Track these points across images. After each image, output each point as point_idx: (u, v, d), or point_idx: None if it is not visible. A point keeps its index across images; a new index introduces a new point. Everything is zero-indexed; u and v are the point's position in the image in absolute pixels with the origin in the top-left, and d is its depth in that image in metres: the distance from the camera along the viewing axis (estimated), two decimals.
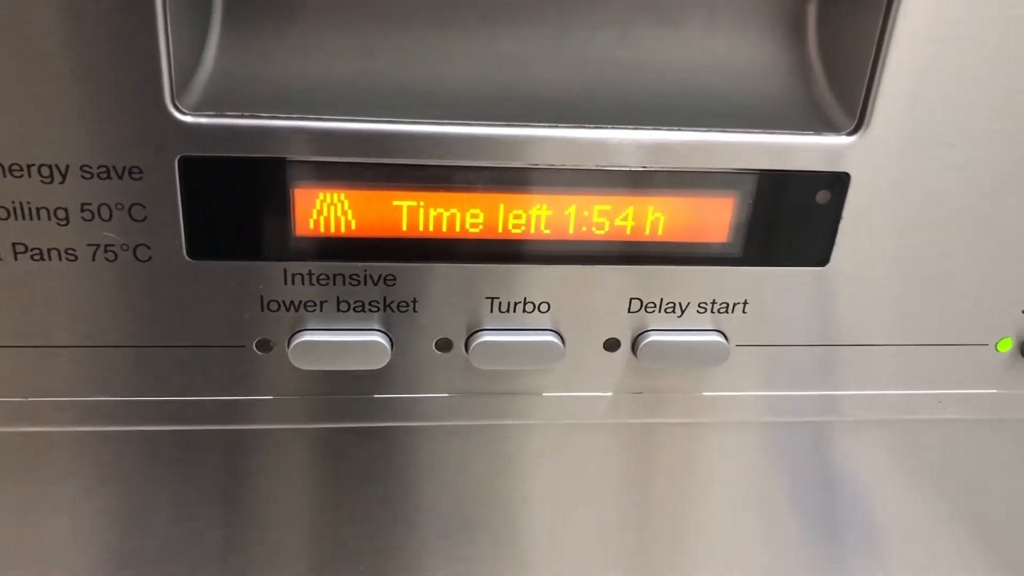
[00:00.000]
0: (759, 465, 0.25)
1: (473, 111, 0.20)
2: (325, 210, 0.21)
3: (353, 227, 0.21)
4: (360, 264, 0.21)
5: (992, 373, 0.24)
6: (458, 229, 0.21)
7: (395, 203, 0.20)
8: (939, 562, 0.28)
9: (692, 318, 0.22)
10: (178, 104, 0.18)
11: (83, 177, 0.19)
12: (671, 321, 0.22)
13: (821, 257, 0.22)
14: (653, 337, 0.22)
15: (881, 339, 0.23)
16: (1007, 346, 0.24)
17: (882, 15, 0.19)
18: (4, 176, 0.18)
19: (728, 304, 0.22)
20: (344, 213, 0.21)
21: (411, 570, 0.26)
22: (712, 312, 0.22)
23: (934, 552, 0.28)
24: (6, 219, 0.19)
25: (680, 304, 0.22)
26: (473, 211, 0.21)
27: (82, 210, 0.19)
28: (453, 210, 0.21)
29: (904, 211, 0.21)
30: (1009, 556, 0.29)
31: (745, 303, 0.22)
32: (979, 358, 0.24)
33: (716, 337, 0.22)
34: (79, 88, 0.18)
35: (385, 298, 0.21)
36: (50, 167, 0.19)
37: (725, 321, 0.22)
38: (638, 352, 0.22)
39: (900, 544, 0.28)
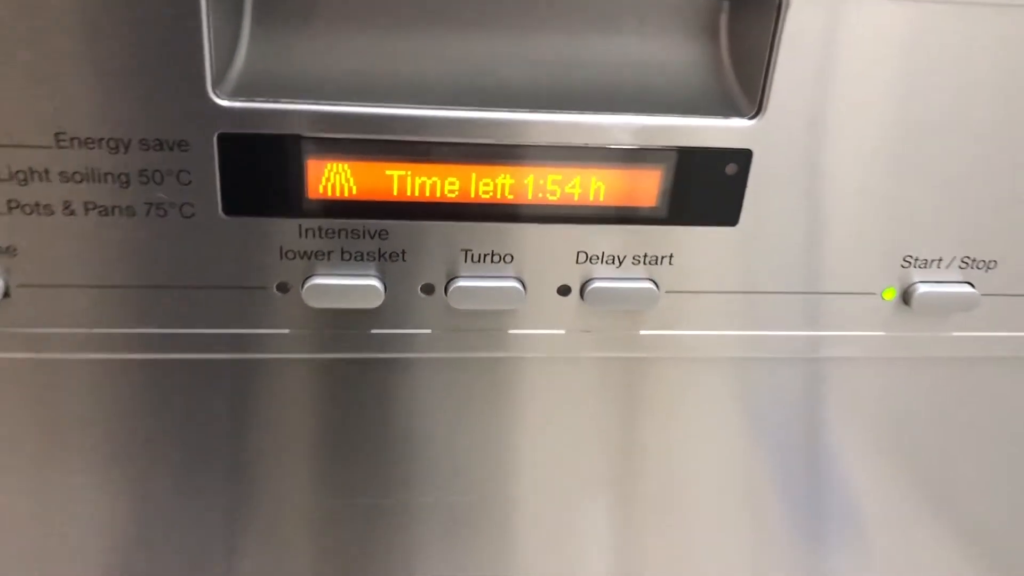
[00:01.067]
0: (692, 395, 0.30)
1: (451, 98, 0.24)
2: (332, 177, 0.25)
3: (354, 192, 0.25)
4: (359, 221, 0.25)
5: (879, 318, 0.28)
6: (438, 194, 0.25)
7: (388, 172, 0.25)
8: (845, 486, 0.33)
9: (628, 269, 0.26)
10: (217, 91, 0.23)
11: (141, 149, 0.23)
12: (611, 271, 0.26)
13: (731, 218, 0.26)
14: (597, 284, 0.26)
15: (784, 287, 0.27)
16: (891, 295, 0.28)
17: (773, 24, 0.24)
18: (80, 148, 0.23)
19: (657, 257, 0.26)
20: (347, 180, 0.25)
21: (406, 484, 0.30)
22: (644, 264, 0.26)
23: (842, 476, 0.33)
24: (80, 182, 0.24)
25: (618, 257, 0.26)
26: (451, 179, 0.25)
27: (140, 175, 0.24)
28: (435, 178, 0.25)
29: (798, 180, 0.26)
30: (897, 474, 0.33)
31: (671, 256, 0.26)
32: (868, 305, 0.28)
33: (648, 284, 0.26)
34: (139, 79, 0.22)
35: (379, 249, 0.25)
36: (116, 140, 0.23)
37: (655, 271, 0.27)
38: (585, 296, 0.27)
39: (807, 472, 0.33)
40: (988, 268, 0.28)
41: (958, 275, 0.28)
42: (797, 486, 0.32)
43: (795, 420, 0.31)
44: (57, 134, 0.23)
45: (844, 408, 0.31)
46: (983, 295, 0.28)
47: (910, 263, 0.27)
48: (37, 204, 0.23)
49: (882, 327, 0.28)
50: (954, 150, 0.26)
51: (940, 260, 0.27)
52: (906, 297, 0.28)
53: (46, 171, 0.23)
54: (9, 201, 0.23)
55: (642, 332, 0.28)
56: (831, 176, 0.26)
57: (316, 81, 0.24)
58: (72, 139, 0.23)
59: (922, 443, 0.32)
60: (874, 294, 0.28)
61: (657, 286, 0.27)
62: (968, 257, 0.27)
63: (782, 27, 0.23)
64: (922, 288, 0.27)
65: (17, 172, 0.23)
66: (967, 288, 0.28)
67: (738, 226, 0.26)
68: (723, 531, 0.34)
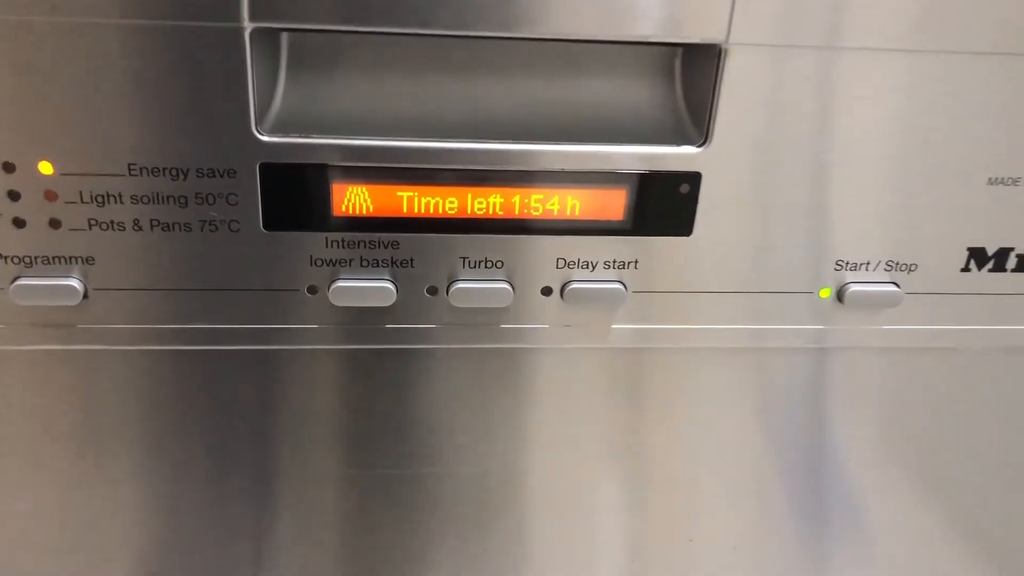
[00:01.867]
0: (659, 382, 0.35)
1: (450, 132, 0.29)
2: (352, 198, 0.29)
3: (371, 210, 0.29)
4: (375, 235, 0.30)
5: (818, 313, 0.33)
6: (441, 211, 0.29)
7: (399, 193, 0.29)
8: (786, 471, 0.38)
9: (600, 272, 0.31)
10: (259, 129, 0.28)
11: (197, 176, 0.28)
12: (586, 275, 0.31)
13: (686, 230, 0.30)
14: (574, 285, 0.31)
15: (734, 288, 0.32)
16: (827, 293, 0.32)
17: (715, 69, 0.29)
18: (148, 176, 0.28)
19: (625, 262, 0.31)
20: (365, 200, 0.29)
21: (418, 456, 0.35)
22: (614, 268, 0.31)
23: (791, 459, 0.37)
24: (147, 204, 0.28)
25: (591, 263, 0.31)
26: (451, 199, 0.29)
27: (196, 198, 0.29)
28: (437, 198, 0.29)
29: (741, 197, 0.30)
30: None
31: (636, 262, 0.31)
32: (807, 302, 0.32)
33: (618, 286, 0.31)
34: (196, 120, 0.27)
35: (392, 257, 0.30)
36: (177, 169, 0.28)
37: (623, 274, 0.31)
38: (564, 296, 0.31)
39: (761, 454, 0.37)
40: (910, 270, 0.32)
41: (884, 276, 0.32)
42: (746, 464, 0.37)
43: (750, 406, 0.36)
44: (129, 165, 0.28)
45: (791, 394, 0.35)
46: (906, 293, 0.32)
47: (842, 266, 0.32)
48: (112, 222, 0.29)
49: (820, 322, 0.33)
50: (875, 170, 0.30)
51: (868, 263, 0.32)
52: (840, 295, 0.32)
53: (120, 195, 0.28)
54: (89, 219, 0.28)
55: (613, 326, 0.32)
56: (770, 193, 0.30)
57: (340, 119, 0.29)
58: (141, 168, 0.28)
59: (855, 428, 0.37)
60: (812, 293, 0.32)
61: (625, 287, 0.31)
62: (892, 261, 0.32)
63: (722, 71, 0.28)
64: (853, 287, 0.32)
65: (96, 196, 0.28)
66: (892, 287, 0.32)
67: (692, 236, 0.30)
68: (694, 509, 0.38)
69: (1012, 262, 0.32)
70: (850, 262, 0.32)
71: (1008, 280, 0.33)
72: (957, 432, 0.37)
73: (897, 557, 0.40)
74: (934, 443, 0.37)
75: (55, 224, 0.28)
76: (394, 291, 0.30)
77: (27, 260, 0.29)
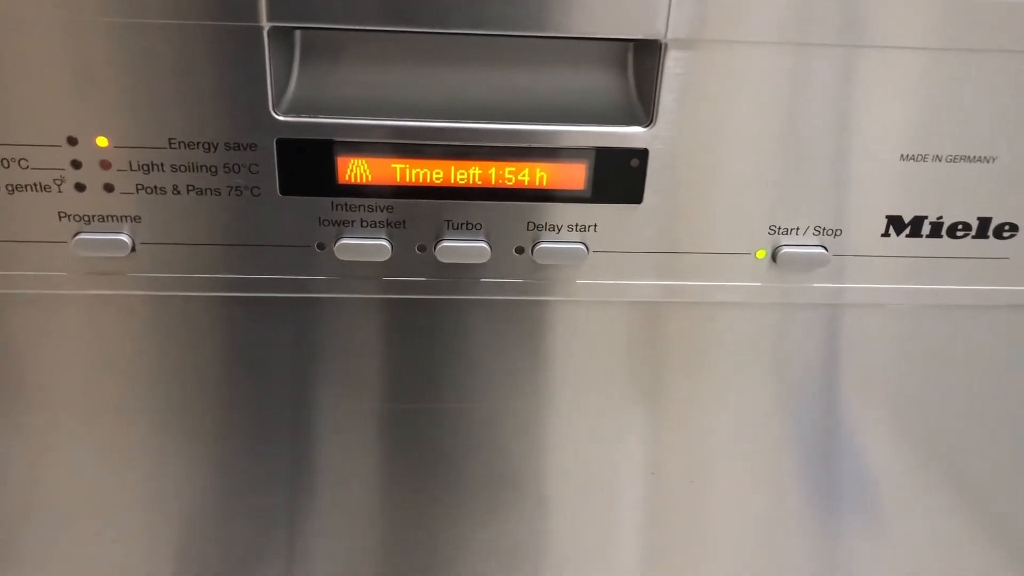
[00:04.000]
0: (617, 333, 0.40)
1: (436, 114, 0.34)
2: (354, 169, 0.34)
3: (369, 179, 0.34)
4: (373, 200, 0.34)
5: (755, 272, 0.37)
6: (428, 180, 0.34)
7: (393, 165, 0.34)
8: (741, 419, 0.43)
9: (565, 235, 0.36)
10: (276, 110, 0.33)
11: (225, 149, 0.34)
12: (553, 236, 0.36)
13: (637, 198, 0.35)
14: (543, 245, 0.35)
15: (679, 248, 0.36)
16: (763, 255, 0.37)
17: (657, 61, 0.34)
18: (185, 148, 0.34)
19: (586, 226, 0.36)
20: (365, 171, 0.34)
21: (419, 392, 0.40)
22: (577, 231, 0.36)
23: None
24: (184, 172, 0.34)
25: (557, 226, 0.36)
26: (437, 170, 0.34)
27: (224, 167, 0.34)
28: (425, 169, 0.34)
29: (683, 169, 0.35)
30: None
31: (596, 225, 0.36)
32: (745, 262, 0.37)
33: (580, 246, 0.36)
34: (224, 102, 0.32)
35: (387, 219, 0.35)
36: (208, 143, 0.33)
37: (585, 236, 0.36)
38: (535, 254, 0.36)
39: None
40: (836, 235, 0.37)
41: (813, 240, 0.37)
42: (702, 410, 0.42)
43: (700, 356, 0.41)
44: (170, 139, 0.33)
45: (734, 346, 0.40)
46: (833, 255, 0.37)
47: (775, 231, 0.37)
48: (155, 187, 0.34)
49: (757, 280, 0.37)
50: (802, 146, 0.35)
51: (798, 228, 0.37)
52: (774, 256, 0.37)
53: (162, 164, 0.34)
54: (137, 185, 0.34)
55: (577, 281, 0.37)
56: (709, 166, 0.35)
57: (344, 102, 0.34)
58: (180, 143, 0.33)
59: (793, 381, 0.42)
60: (749, 254, 0.37)
61: (587, 248, 0.36)
62: (819, 226, 0.37)
63: (663, 62, 0.33)
64: (785, 249, 0.37)
65: (143, 165, 0.34)
66: (820, 250, 0.37)
67: (642, 204, 0.35)
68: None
69: (927, 229, 0.37)
70: (782, 227, 0.37)
71: (925, 245, 0.38)
72: (888, 380, 0.42)
73: (867, 503, 0.45)
74: (869, 389, 0.42)
75: (108, 188, 0.34)
76: (389, 248, 0.36)
77: (86, 218, 0.35)
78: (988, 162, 0.36)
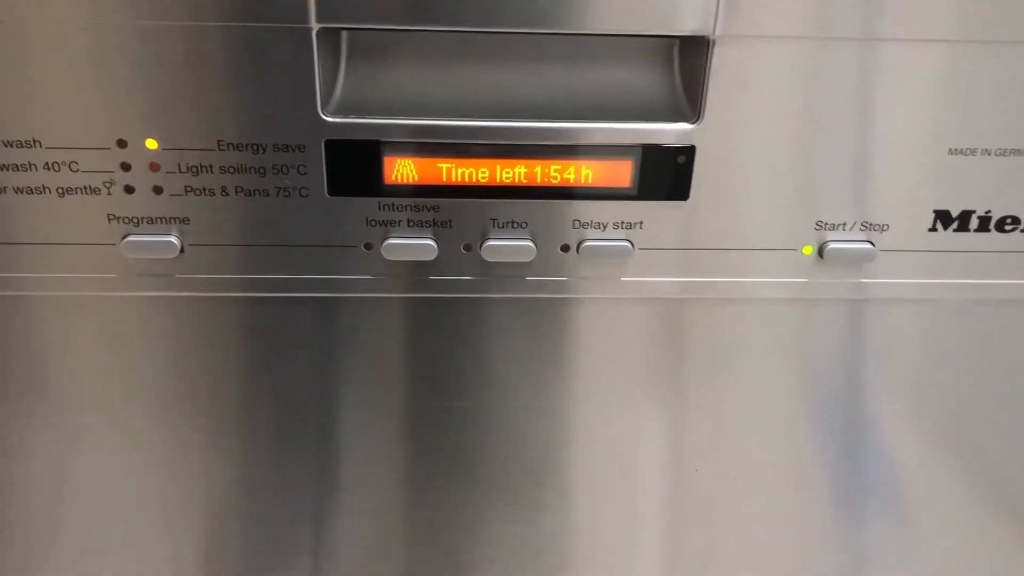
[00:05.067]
0: (663, 329, 0.40)
1: (481, 113, 0.34)
2: (401, 169, 0.34)
3: (416, 179, 0.34)
4: (419, 199, 0.35)
5: (802, 268, 0.37)
6: (474, 179, 0.34)
7: (439, 165, 0.34)
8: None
9: (611, 232, 0.36)
10: (324, 112, 0.33)
11: (273, 151, 0.34)
12: (599, 234, 0.36)
13: (683, 195, 0.35)
14: (588, 243, 0.36)
15: (726, 245, 0.36)
16: (809, 250, 0.37)
17: (705, 58, 0.34)
18: (233, 150, 0.34)
19: (631, 223, 0.36)
20: (411, 171, 0.34)
21: (460, 391, 0.41)
22: (623, 228, 0.36)
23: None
24: (233, 173, 0.34)
25: (603, 223, 0.36)
26: (482, 169, 0.34)
27: (272, 168, 0.34)
28: (471, 168, 0.34)
29: (730, 166, 0.35)
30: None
31: (642, 223, 0.36)
32: (792, 258, 0.37)
33: (626, 243, 0.36)
34: (273, 104, 0.33)
35: (434, 219, 0.35)
36: (257, 145, 0.34)
37: (631, 234, 0.36)
38: (580, 252, 0.36)
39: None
40: (882, 230, 0.37)
41: (860, 235, 0.37)
42: (742, 402, 0.42)
43: (744, 352, 0.41)
44: (219, 141, 0.33)
45: (781, 341, 0.40)
46: (880, 251, 0.37)
47: (822, 226, 0.36)
48: (204, 188, 0.34)
49: (804, 276, 0.37)
50: (849, 142, 0.35)
51: (845, 224, 0.36)
52: (821, 252, 0.37)
53: (211, 166, 0.34)
54: (186, 186, 0.34)
55: (623, 279, 0.37)
56: (756, 162, 0.35)
57: (390, 103, 0.34)
58: (228, 144, 0.34)
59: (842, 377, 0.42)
60: (795, 250, 0.37)
61: (632, 245, 0.36)
62: (866, 221, 0.37)
63: (711, 59, 0.33)
64: (832, 245, 0.36)
65: (192, 167, 0.34)
66: (867, 245, 0.37)
67: (689, 200, 0.35)
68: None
69: (975, 223, 0.37)
70: (829, 223, 0.36)
71: (973, 239, 0.37)
72: (934, 376, 0.42)
73: (901, 497, 0.45)
74: (914, 386, 0.42)
75: (158, 190, 0.34)
76: (435, 247, 0.36)
77: (135, 220, 0.35)
78: None
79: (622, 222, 0.36)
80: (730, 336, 0.40)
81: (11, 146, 0.33)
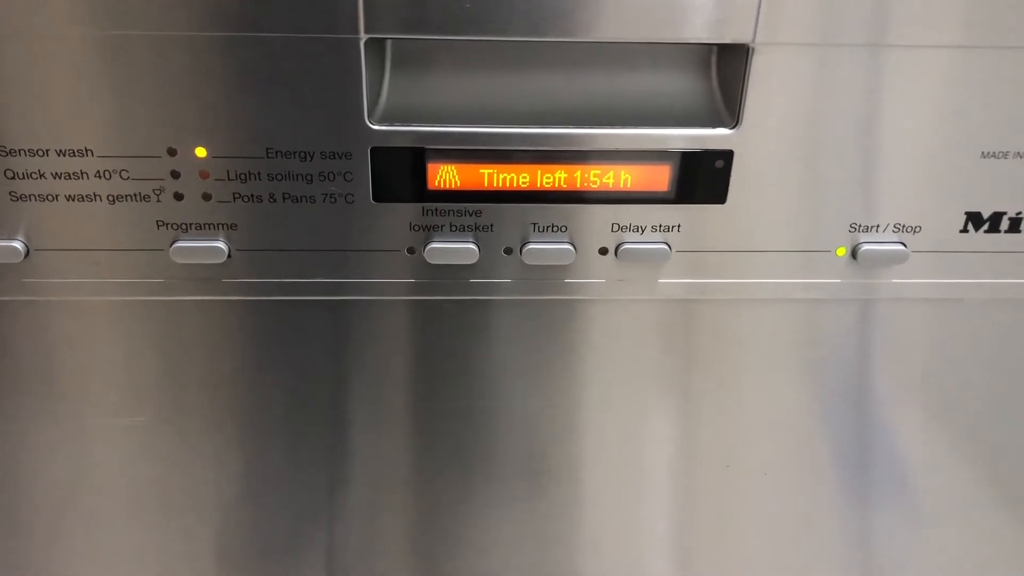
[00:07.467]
0: (700, 330, 0.41)
1: (522, 120, 0.34)
2: (443, 175, 0.35)
3: (458, 184, 0.35)
4: (462, 205, 0.35)
5: (835, 269, 0.38)
6: (515, 185, 0.35)
7: (481, 171, 0.35)
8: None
9: (648, 235, 0.36)
10: (370, 120, 0.34)
11: (320, 158, 0.35)
12: (636, 237, 0.37)
13: (721, 199, 0.36)
14: (627, 246, 0.36)
15: (761, 247, 0.37)
16: (843, 252, 0.37)
17: (744, 63, 0.34)
18: (281, 158, 0.35)
19: (669, 226, 0.36)
20: (453, 176, 0.35)
21: (492, 391, 0.41)
22: (660, 232, 0.37)
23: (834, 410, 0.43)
24: (281, 180, 0.35)
25: (641, 227, 0.36)
26: (523, 174, 0.35)
27: (319, 175, 0.35)
28: (512, 174, 0.35)
29: (767, 170, 0.35)
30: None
31: (679, 226, 0.36)
32: (825, 259, 0.37)
33: (663, 247, 0.36)
34: (321, 113, 0.33)
35: (475, 224, 0.36)
36: (304, 152, 0.34)
37: (668, 237, 0.37)
38: (618, 255, 0.37)
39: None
40: (915, 232, 0.37)
41: (893, 237, 0.37)
42: (779, 402, 0.43)
43: (779, 352, 0.41)
44: (267, 149, 0.34)
45: (815, 341, 0.41)
46: (912, 252, 0.37)
47: (856, 228, 0.37)
48: (252, 195, 0.35)
49: (837, 276, 0.38)
50: (884, 145, 0.35)
51: (878, 226, 0.37)
52: (854, 253, 0.37)
53: (259, 173, 0.35)
54: (234, 193, 0.35)
55: (660, 281, 0.38)
56: (792, 166, 0.35)
57: (433, 110, 0.35)
58: (276, 152, 0.34)
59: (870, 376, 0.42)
60: (829, 251, 0.37)
61: (670, 248, 0.37)
62: (899, 223, 0.37)
63: (750, 66, 0.34)
64: (865, 247, 0.37)
65: (240, 174, 0.35)
66: (900, 247, 0.37)
67: (726, 204, 0.36)
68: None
69: (1005, 224, 0.38)
70: (862, 225, 0.37)
71: (1004, 240, 0.38)
72: (963, 376, 0.42)
73: (910, 493, 0.46)
74: (945, 386, 0.43)
75: (206, 197, 0.35)
76: (477, 251, 0.36)
77: (183, 226, 0.36)
78: None
79: (660, 225, 0.37)
80: (764, 336, 0.40)
81: (64, 155, 0.34)
